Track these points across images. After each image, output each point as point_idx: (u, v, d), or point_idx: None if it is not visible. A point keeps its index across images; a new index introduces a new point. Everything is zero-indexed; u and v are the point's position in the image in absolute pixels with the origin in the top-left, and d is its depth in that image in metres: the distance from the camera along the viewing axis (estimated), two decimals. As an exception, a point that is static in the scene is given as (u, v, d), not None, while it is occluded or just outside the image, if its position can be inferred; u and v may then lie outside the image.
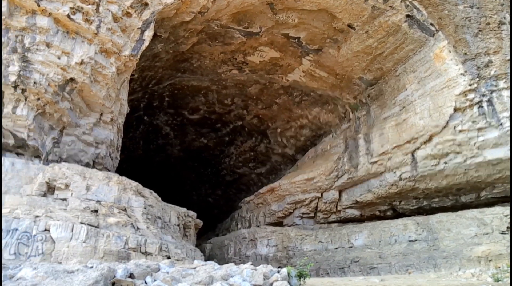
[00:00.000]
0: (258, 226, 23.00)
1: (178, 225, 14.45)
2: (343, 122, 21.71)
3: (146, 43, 13.84)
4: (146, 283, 6.29)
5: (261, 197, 24.05)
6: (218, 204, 28.29)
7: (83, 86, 12.60)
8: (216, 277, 6.81)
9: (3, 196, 10.38)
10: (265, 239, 21.17)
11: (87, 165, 13.63)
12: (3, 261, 8.40)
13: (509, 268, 8.32)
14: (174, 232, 13.71)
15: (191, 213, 16.21)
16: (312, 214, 22.13)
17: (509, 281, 8.69)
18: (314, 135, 24.10)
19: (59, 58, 11.61)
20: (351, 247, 19.26)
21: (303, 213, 22.18)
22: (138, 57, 13.95)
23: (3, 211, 9.73)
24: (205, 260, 11.62)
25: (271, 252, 20.66)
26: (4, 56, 10.62)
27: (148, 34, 13.67)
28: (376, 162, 18.29)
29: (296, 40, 17.24)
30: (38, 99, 11.61)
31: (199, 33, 16.66)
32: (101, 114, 14.04)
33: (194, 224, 16.11)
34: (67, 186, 11.21)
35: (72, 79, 12.12)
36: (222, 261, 10.83)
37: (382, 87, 18.53)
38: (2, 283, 5.73)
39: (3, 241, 9.01)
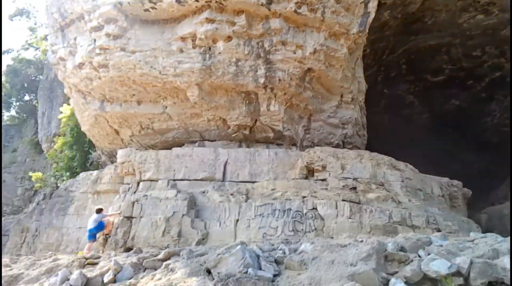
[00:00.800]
0: (549, 192, 18.31)
1: (443, 196, 13.16)
2: None
3: (372, 15, 13.22)
4: (419, 256, 5.93)
5: (549, 157, 19.15)
6: (486, 170, 24.33)
7: (320, 73, 13.17)
8: (502, 251, 5.72)
9: (273, 181, 12.14)
10: (563, 207, 16.60)
11: (337, 146, 14.28)
12: (285, 237, 9.80)
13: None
14: (440, 203, 12.56)
15: (456, 182, 14.51)
16: None
17: None
18: None
19: (294, 53, 12.41)
20: None
21: None
22: (366, 31, 13.47)
23: (276, 194, 11.37)
24: (482, 232, 10.13)
25: None
26: (251, 63, 12.27)
27: (372, 5, 13.03)
28: None
29: None
30: (285, 93, 12.89)
31: (429, -14, 14.96)
32: (341, 96, 14.37)
33: (462, 193, 14.37)
34: (323, 167, 12.04)
35: (309, 69, 12.85)
36: (504, 233, 9.14)
37: None
38: (290, 255, 6.46)
39: (281, 220, 10.46)
